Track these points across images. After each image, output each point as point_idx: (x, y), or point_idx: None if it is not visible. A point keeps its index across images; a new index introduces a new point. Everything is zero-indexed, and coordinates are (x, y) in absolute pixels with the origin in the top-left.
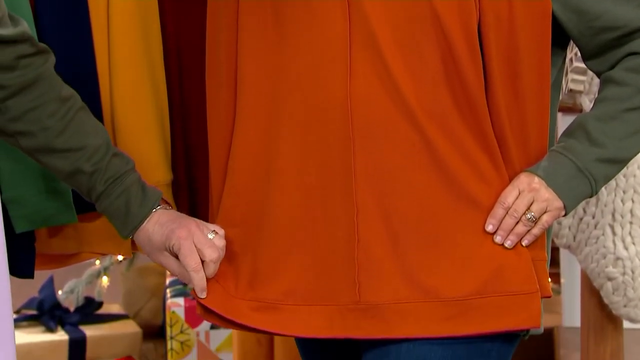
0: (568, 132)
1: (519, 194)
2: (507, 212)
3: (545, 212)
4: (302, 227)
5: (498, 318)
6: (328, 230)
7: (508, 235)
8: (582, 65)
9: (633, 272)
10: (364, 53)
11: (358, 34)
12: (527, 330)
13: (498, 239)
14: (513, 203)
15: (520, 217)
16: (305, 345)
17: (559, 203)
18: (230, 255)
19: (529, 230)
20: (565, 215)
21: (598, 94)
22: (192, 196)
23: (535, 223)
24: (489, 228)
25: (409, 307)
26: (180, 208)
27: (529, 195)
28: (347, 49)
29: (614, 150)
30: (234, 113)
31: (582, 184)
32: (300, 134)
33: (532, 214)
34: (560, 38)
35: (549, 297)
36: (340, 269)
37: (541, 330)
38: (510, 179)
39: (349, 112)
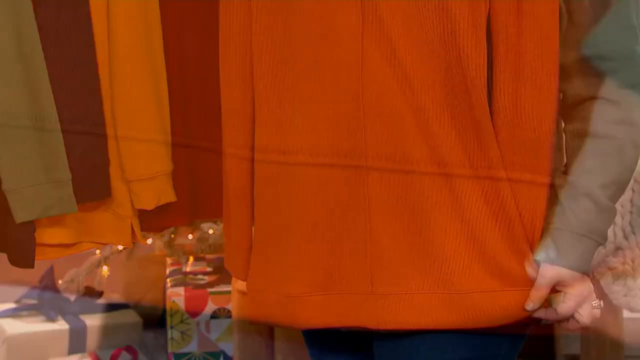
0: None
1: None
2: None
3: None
4: (318, 219)
5: (508, 311)
6: (342, 221)
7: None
8: None
9: (633, 261)
10: (376, 44)
11: (370, 24)
12: (539, 320)
13: None
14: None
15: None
16: (313, 343)
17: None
18: (260, 249)
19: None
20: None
21: (569, 149)
22: (192, 187)
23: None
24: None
25: (421, 299)
26: (180, 198)
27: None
28: (359, 39)
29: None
30: (250, 108)
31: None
32: (312, 125)
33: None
34: None
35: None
36: (354, 259)
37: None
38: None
39: (361, 103)
